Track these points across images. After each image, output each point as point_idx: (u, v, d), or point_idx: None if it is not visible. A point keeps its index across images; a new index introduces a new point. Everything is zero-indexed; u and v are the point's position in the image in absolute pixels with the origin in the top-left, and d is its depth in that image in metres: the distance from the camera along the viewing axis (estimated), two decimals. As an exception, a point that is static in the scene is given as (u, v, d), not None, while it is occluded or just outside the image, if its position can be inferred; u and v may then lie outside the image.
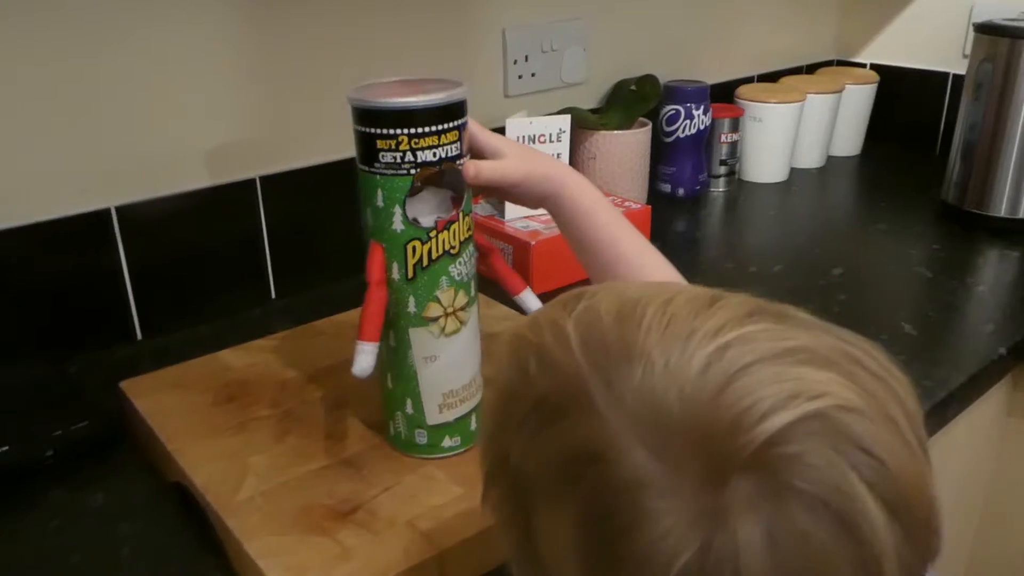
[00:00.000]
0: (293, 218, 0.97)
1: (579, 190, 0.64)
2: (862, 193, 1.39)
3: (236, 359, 0.78)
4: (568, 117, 1.04)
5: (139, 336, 0.89)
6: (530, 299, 0.68)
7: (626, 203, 1.08)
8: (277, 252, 0.96)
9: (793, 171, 1.42)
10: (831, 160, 1.49)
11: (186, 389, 0.73)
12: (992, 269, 1.09)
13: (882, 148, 1.53)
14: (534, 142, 1.03)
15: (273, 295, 0.97)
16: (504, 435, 0.37)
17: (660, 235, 1.15)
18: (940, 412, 0.80)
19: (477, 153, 0.63)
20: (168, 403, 0.71)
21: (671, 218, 1.23)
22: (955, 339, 0.89)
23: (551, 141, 1.04)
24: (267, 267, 0.96)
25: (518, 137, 1.01)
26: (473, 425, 0.64)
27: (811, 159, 1.45)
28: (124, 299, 0.87)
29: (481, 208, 1.07)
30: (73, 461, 0.70)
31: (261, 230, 0.94)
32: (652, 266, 0.64)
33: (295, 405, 0.71)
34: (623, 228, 0.65)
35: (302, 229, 0.98)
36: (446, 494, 0.60)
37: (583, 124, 1.15)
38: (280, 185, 0.94)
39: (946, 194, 1.24)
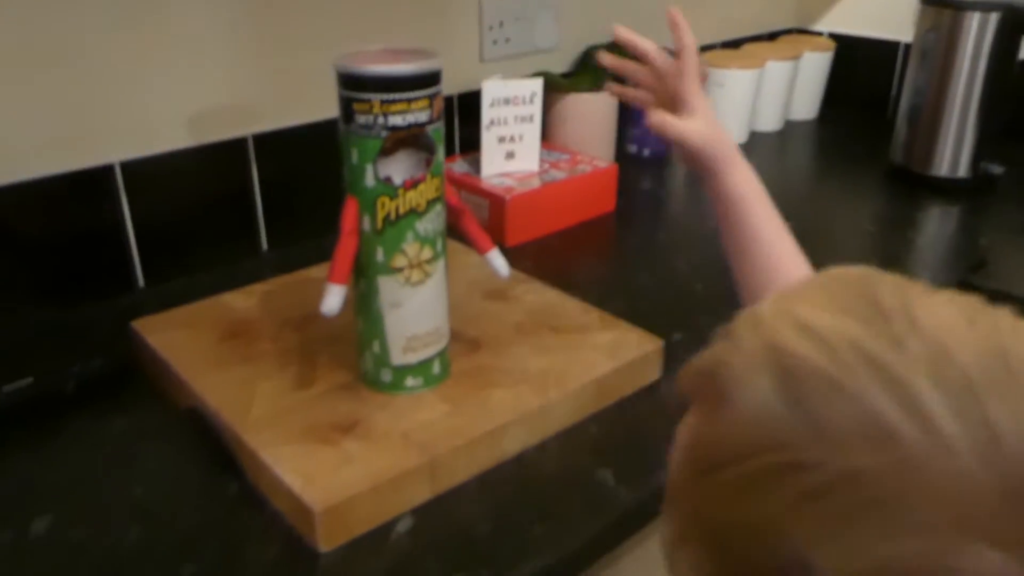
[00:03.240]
0: (285, 174, 1.03)
1: (744, 177, 0.68)
2: (817, 155, 1.48)
3: (237, 301, 0.85)
4: (540, 80, 1.11)
5: (141, 284, 0.96)
6: (496, 259, 0.74)
7: (595, 162, 1.16)
8: (269, 206, 1.03)
9: (753, 134, 1.50)
10: (789, 124, 1.57)
11: (193, 327, 0.80)
12: (932, 224, 1.19)
13: (838, 113, 1.62)
14: (509, 104, 1.10)
15: (265, 247, 1.04)
16: (754, 495, 0.31)
17: (628, 193, 1.23)
18: (875, 347, 0.89)
19: (677, 100, 0.67)
20: (178, 339, 0.78)
21: (638, 177, 1.31)
22: (892, 284, 0.98)
23: (524, 103, 1.11)
24: (259, 221, 1.03)
25: (492, 99, 1.08)
26: (436, 369, 0.71)
27: (770, 123, 1.53)
28: (127, 250, 0.93)
29: (458, 166, 1.14)
30: (91, 394, 0.77)
31: (254, 185, 1.01)
32: (804, 268, 0.66)
33: (295, 340, 0.78)
34: (782, 227, 0.68)
35: (294, 185, 1.04)
36: (434, 411, 0.68)
37: (555, 88, 1.22)
38: (272, 143, 1.01)
39: (894, 156, 1.33)
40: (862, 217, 1.18)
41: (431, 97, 0.63)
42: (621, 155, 1.37)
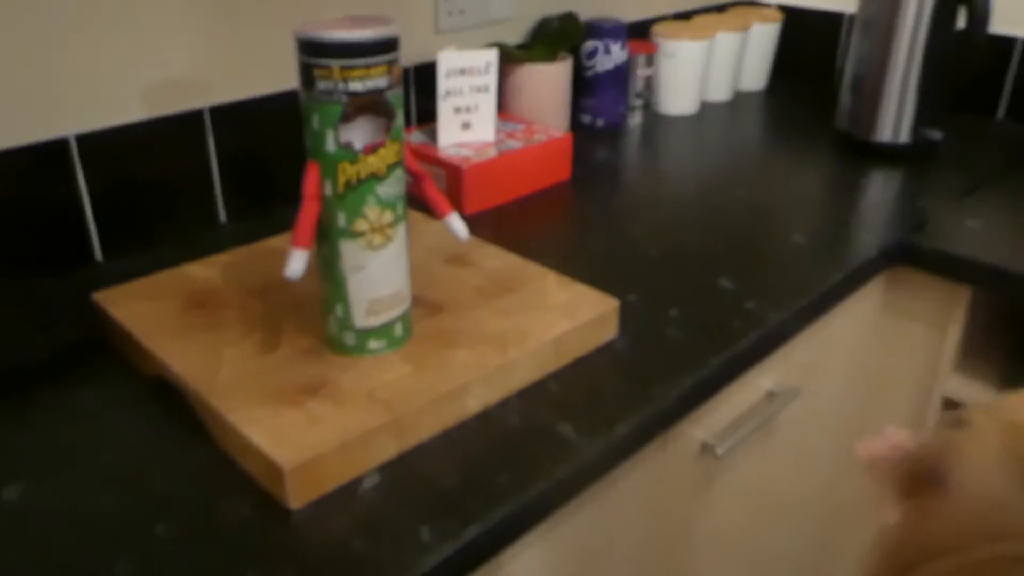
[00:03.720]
0: (243, 146, 1.03)
1: None
2: (766, 124, 1.51)
3: (199, 272, 0.86)
4: (495, 51, 1.12)
5: (100, 258, 0.96)
6: (455, 222, 0.75)
7: (550, 132, 1.18)
8: (227, 179, 1.03)
9: (704, 104, 1.54)
10: (739, 94, 1.61)
11: (156, 298, 0.81)
12: (875, 187, 1.23)
13: (787, 83, 1.65)
14: (464, 74, 1.11)
15: (224, 219, 1.04)
16: None
17: (583, 162, 1.25)
18: (822, 303, 0.93)
19: None
20: (140, 310, 0.78)
21: (592, 147, 1.33)
22: (837, 246, 1.02)
23: (479, 74, 1.12)
24: (217, 193, 1.03)
25: (447, 70, 1.09)
26: (398, 332, 0.72)
27: (720, 93, 1.56)
28: (84, 224, 0.93)
29: (415, 136, 1.15)
30: (56, 366, 0.77)
31: (211, 158, 1.01)
32: None
33: (258, 308, 0.79)
34: None
35: (252, 157, 1.04)
36: (398, 372, 0.70)
37: (509, 58, 1.24)
38: (229, 115, 1.01)
39: (839, 123, 1.36)
40: (809, 183, 1.22)
41: (389, 63, 0.65)
42: (576, 125, 1.40)
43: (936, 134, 1.30)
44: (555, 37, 1.30)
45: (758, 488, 1.03)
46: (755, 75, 1.62)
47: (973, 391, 1.09)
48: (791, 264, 0.97)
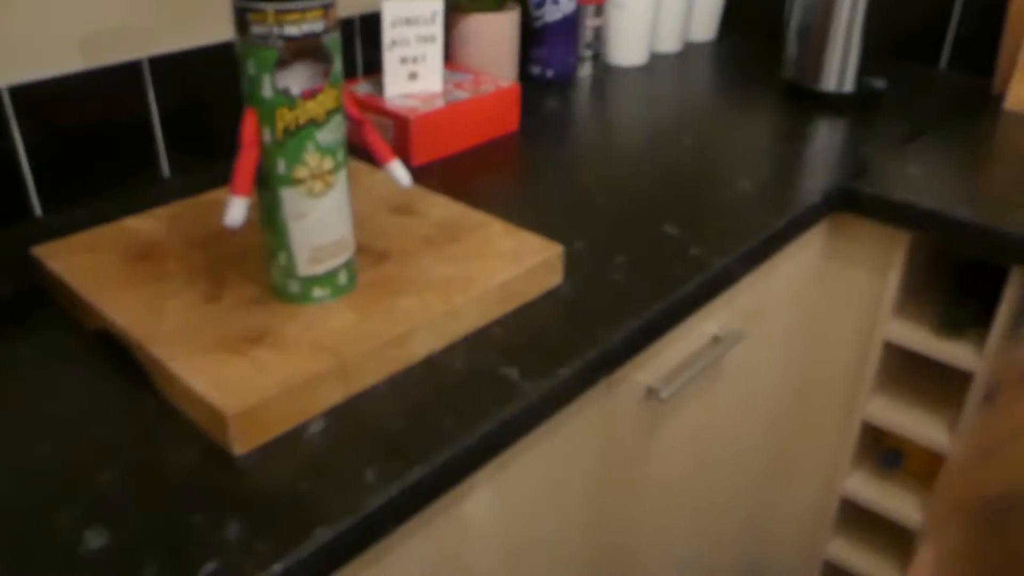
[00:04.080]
0: (184, 98, 1.01)
1: None
2: (715, 75, 1.52)
3: (142, 224, 0.84)
4: (441, 1, 1.11)
5: (39, 213, 0.94)
6: (397, 169, 0.75)
7: (498, 83, 1.17)
8: (169, 132, 1.01)
9: (654, 56, 1.54)
10: (689, 45, 1.61)
11: (97, 251, 0.79)
12: (820, 135, 1.24)
13: (737, 34, 1.66)
14: (410, 24, 1.10)
15: (167, 173, 1.03)
16: None
17: (533, 113, 1.25)
18: (765, 249, 0.94)
19: None
20: (81, 263, 0.77)
21: (543, 98, 1.33)
22: (781, 192, 1.03)
23: (425, 23, 1.11)
24: (159, 146, 1.01)
25: (392, 20, 1.08)
26: (342, 280, 0.72)
27: (670, 44, 1.56)
28: (21, 177, 0.91)
29: (362, 87, 1.14)
30: (-5, 320, 0.76)
31: (151, 110, 0.99)
32: None
33: (202, 260, 0.78)
34: None
35: (193, 110, 1.03)
36: (344, 319, 0.70)
37: (457, 8, 1.23)
38: (169, 66, 0.99)
39: (786, 73, 1.38)
40: (756, 131, 1.23)
41: (325, 7, 0.64)
42: (525, 76, 1.39)
43: (880, 83, 1.32)
44: (503, -14, 1.29)
45: (703, 431, 1.05)
46: (705, 26, 1.63)
47: (913, 335, 1.12)
48: (736, 211, 0.98)
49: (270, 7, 0.62)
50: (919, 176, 1.10)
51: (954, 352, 1.09)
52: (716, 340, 0.95)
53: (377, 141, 0.73)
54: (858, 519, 1.33)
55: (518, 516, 0.77)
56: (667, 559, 1.12)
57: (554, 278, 0.81)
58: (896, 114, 1.30)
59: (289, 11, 0.62)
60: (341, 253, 0.72)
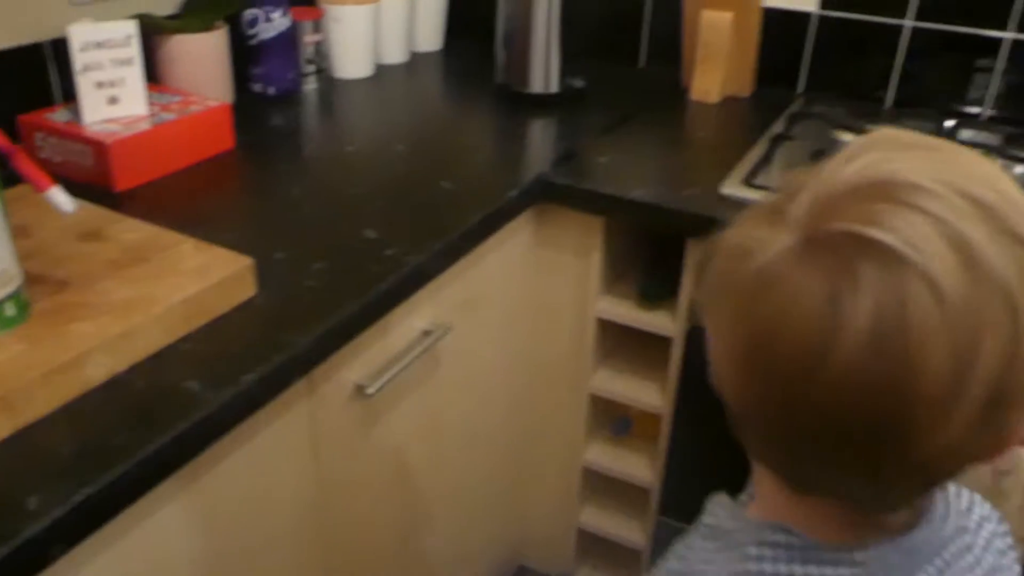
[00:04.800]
0: None
1: None
2: (438, 83, 1.59)
3: None
4: (134, 22, 1.10)
5: None
6: (56, 196, 0.74)
7: (207, 102, 1.17)
8: None
9: (380, 67, 1.58)
10: (415, 56, 1.67)
11: None
12: (526, 135, 1.34)
13: (461, 42, 1.73)
14: (103, 48, 1.08)
15: None
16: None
17: (252, 130, 1.26)
18: (463, 243, 1.01)
19: None
20: None
21: (266, 115, 1.34)
22: (481, 189, 1.10)
23: (120, 46, 1.09)
24: None
25: (82, 44, 1.06)
26: (10, 312, 0.70)
27: (395, 55, 1.61)
28: None
29: (60, 115, 1.11)
30: None
31: None
32: None
33: None
34: None
35: None
36: (11, 351, 0.69)
37: (159, 29, 1.22)
38: None
39: (499, 78, 1.46)
40: (468, 134, 1.30)
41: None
42: (247, 94, 1.40)
43: (579, 82, 1.43)
44: (209, 6, 1.29)
45: (434, 422, 1.11)
46: (429, 36, 1.69)
47: (620, 310, 1.23)
48: (436, 209, 1.05)
49: None
50: (608, 164, 1.21)
51: (655, 321, 1.21)
52: (426, 334, 1.01)
53: (32, 170, 0.72)
54: (602, 486, 1.44)
55: (221, 526, 0.79)
56: (418, 549, 1.17)
57: (246, 290, 0.84)
58: (598, 110, 1.41)
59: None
60: (4, 286, 0.71)
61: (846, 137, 1.33)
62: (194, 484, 0.74)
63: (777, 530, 0.49)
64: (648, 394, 1.28)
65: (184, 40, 1.23)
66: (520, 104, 1.42)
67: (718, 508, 0.55)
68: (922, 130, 1.29)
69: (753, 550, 0.49)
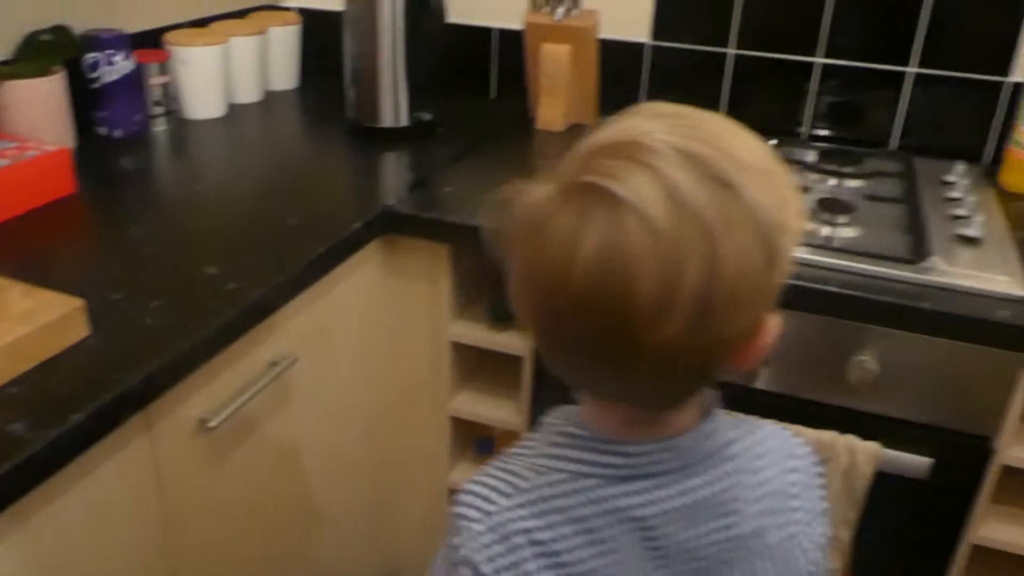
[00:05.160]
0: None
1: None
2: (292, 121, 1.61)
3: None
4: (-40, 70, 1.09)
5: None
6: None
7: (44, 147, 1.17)
8: None
9: (233, 107, 1.60)
10: (270, 94, 1.69)
11: None
12: (376, 168, 1.38)
13: (317, 80, 1.76)
14: (-72, 96, 1.07)
15: None
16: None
17: (97, 174, 1.25)
18: (304, 277, 1.03)
19: None
20: None
21: (112, 158, 1.34)
22: (325, 223, 1.13)
23: (-53, 94, 1.08)
24: None
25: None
26: None
27: (248, 95, 1.63)
28: None
29: None
30: None
31: None
32: None
33: None
34: None
35: None
36: None
37: (-6, 76, 1.21)
38: None
39: (350, 114, 1.50)
40: (318, 170, 1.33)
41: None
42: (91, 138, 1.39)
43: (427, 115, 1.48)
44: (46, 51, 1.28)
45: (290, 452, 1.12)
46: (283, 75, 1.72)
47: (473, 332, 1.27)
48: (280, 244, 1.07)
49: None
50: (453, 193, 1.26)
51: (506, 341, 1.26)
52: (272, 365, 1.02)
53: None
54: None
55: (58, 564, 0.79)
56: (282, 581, 1.17)
57: (78, 331, 0.84)
58: (447, 141, 1.46)
59: None
60: None
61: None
62: (25, 524, 0.73)
63: (573, 425, 0.61)
64: (507, 412, 1.32)
65: (19, 86, 1.22)
66: (371, 139, 1.46)
67: (557, 410, 0.65)
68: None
69: (552, 438, 0.62)
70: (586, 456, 0.60)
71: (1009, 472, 1.10)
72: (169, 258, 1.02)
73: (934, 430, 1.10)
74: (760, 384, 1.14)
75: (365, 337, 1.26)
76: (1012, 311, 1.01)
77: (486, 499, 0.61)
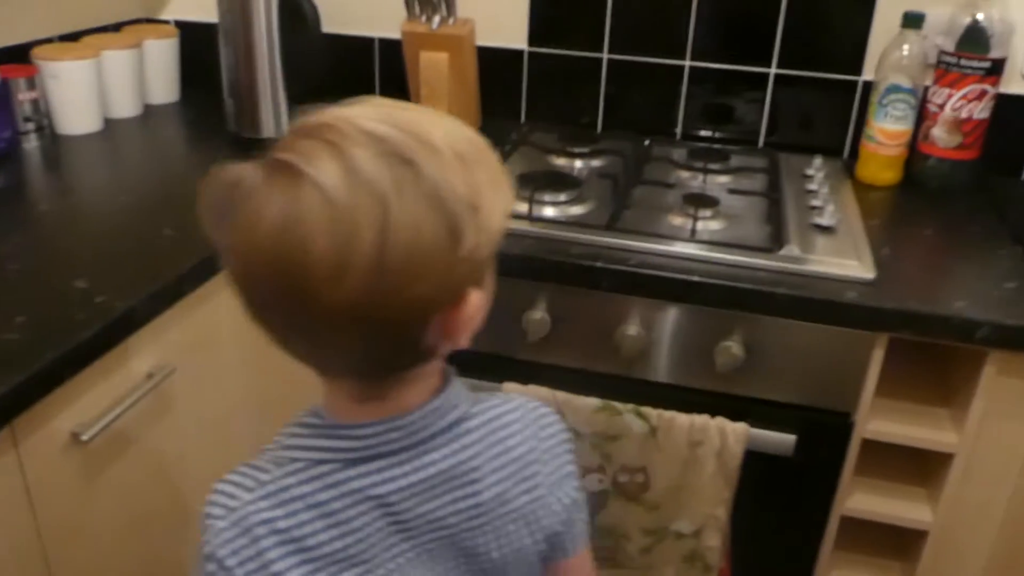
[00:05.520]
0: None
1: None
2: (171, 134, 1.60)
3: None
4: None
5: None
6: None
7: (-98, 165, 1.13)
8: None
9: (110, 121, 1.57)
10: (150, 108, 1.67)
11: None
12: (259, 178, 1.37)
13: (199, 93, 1.75)
14: None
15: None
16: None
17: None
18: (178, 288, 1.03)
19: None
20: None
21: (-22, 176, 1.30)
22: (202, 234, 1.13)
23: None
24: None
25: None
26: None
27: (125, 109, 1.60)
28: None
29: None
30: None
31: None
32: None
33: None
34: None
35: None
36: None
37: None
38: None
39: (230, 126, 1.49)
40: (195, 182, 1.32)
41: None
42: (-43, 156, 1.35)
43: (308, 125, 1.48)
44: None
45: (176, 463, 1.11)
46: (162, 88, 1.70)
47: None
48: (154, 256, 1.06)
49: None
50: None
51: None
52: (149, 376, 1.02)
53: None
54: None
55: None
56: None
57: (-67, 351, 0.82)
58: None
59: None
60: None
61: (557, 160, 1.47)
62: None
63: (311, 414, 0.65)
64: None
65: None
66: (252, 150, 1.43)
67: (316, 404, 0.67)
68: (623, 148, 1.44)
69: (293, 430, 0.65)
70: (321, 443, 0.63)
71: (869, 445, 1.17)
72: (35, 273, 1.00)
73: (798, 409, 1.16)
74: (636, 374, 1.19)
75: (247, 343, 1.25)
76: (859, 292, 1.08)
77: (231, 496, 0.63)
